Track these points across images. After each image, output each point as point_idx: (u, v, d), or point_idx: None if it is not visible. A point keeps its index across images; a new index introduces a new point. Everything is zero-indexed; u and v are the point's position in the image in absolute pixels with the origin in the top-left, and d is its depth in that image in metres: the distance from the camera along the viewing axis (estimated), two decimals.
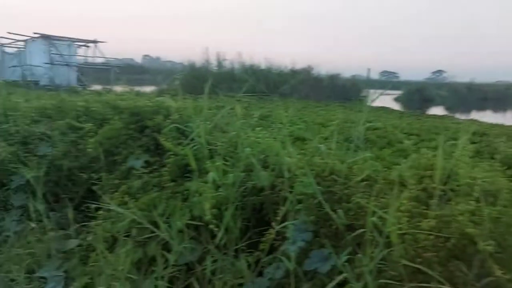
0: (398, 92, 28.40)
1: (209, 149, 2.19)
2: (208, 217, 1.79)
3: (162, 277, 1.80)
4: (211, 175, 1.89)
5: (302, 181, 1.79)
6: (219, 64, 22.10)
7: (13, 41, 20.38)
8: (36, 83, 18.90)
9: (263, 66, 22.42)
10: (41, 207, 2.60)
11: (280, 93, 17.31)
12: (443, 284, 1.34)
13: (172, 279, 1.85)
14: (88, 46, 21.11)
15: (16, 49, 21.31)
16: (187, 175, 2.19)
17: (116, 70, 21.76)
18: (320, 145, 2.05)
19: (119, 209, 1.96)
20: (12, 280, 2.26)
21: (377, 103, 11.29)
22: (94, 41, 21.10)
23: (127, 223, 1.94)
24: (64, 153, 3.18)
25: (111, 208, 2.02)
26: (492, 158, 4.86)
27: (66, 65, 19.48)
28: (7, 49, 21.17)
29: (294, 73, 22.26)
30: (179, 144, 2.31)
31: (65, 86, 19.06)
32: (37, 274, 2.25)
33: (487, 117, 16.53)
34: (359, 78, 25.80)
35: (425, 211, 1.53)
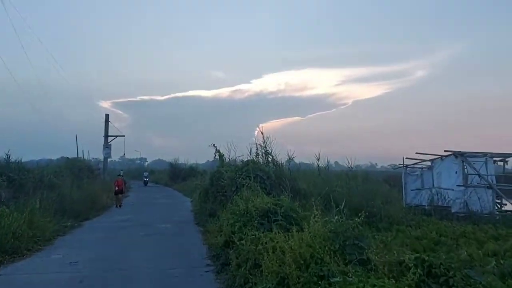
0: None
1: None
2: None
3: None
4: None
5: None
6: None
7: (418, 161, 18.82)
8: (446, 208, 15.75)
9: None
10: None
11: None
12: None
13: None
14: (506, 161, 16.66)
15: (419, 170, 19.70)
16: None
17: None
18: None
19: None
20: None
21: None
22: None
23: None
24: None
25: None
26: None
27: (487, 186, 15.40)
28: (411, 171, 19.89)
29: None
30: None
31: (483, 214, 14.88)
32: None
33: None
34: None
35: None
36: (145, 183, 48.73)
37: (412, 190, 18.96)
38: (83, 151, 34.55)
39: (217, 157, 18.80)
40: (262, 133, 16.30)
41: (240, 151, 17.96)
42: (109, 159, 38.39)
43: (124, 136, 34.95)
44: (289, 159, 15.81)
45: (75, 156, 34.49)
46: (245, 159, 16.31)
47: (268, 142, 16.02)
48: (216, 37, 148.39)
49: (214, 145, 18.73)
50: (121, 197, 23.27)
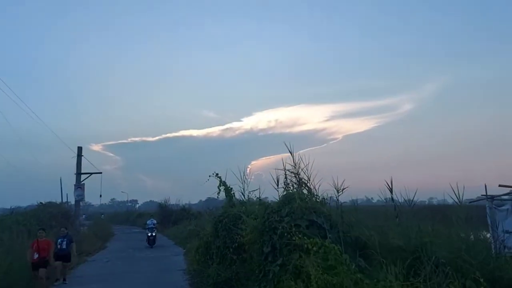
0: None
1: None
2: None
3: None
4: None
5: None
6: None
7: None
8: None
9: None
10: None
11: None
12: None
13: None
14: None
15: (509, 203, 13.86)
16: None
17: None
18: None
19: None
20: None
21: None
22: None
23: None
24: None
25: None
26: None
27: None
28: (497, 204, 14.04)
29: None
30: None
31: None
32: None
33: None
34: None
35: None
36: (151, 241, 24.01)
37: (508, 232, 13.04)
38: (67, 194, 28.46)
39: (222, 191, 12.92)
40: (291, 154, 10.40)
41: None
42: (98, 202, 32.07)
43: (101, 173, 28.65)
44: (337, 191, 9.77)
45: (61, 200, 28.60)
46: (261, 195, 10.48)
47: (301, 168, 10.17)
48: (207, 77, 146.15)
49: (217, 174, 12.88)
50: (47, 274, 11.39)
